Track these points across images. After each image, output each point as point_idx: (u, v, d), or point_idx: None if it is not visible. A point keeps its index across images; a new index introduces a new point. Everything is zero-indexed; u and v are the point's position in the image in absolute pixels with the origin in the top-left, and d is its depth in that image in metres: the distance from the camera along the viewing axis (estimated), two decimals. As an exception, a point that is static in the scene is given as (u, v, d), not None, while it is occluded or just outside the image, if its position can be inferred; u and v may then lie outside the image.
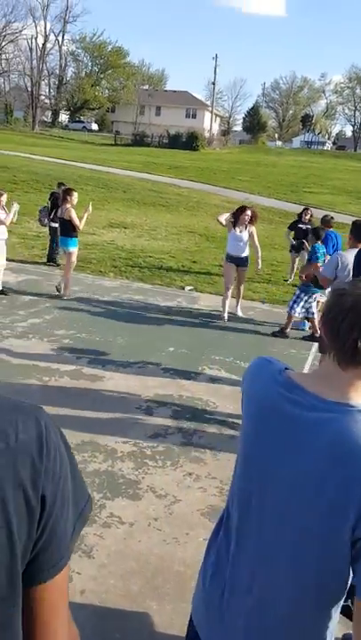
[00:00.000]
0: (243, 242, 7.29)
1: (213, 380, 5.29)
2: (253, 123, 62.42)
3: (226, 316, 7.35)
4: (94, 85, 62.01)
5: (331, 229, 7.73)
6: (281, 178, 28.31)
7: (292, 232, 10.15)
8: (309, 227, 9.61)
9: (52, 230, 9.66)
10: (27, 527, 0.67)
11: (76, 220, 7.49)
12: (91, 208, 7.83)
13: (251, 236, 7.39)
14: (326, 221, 8.16)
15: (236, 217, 7.29)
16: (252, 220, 7.40)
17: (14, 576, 0.67)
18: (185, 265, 10.86)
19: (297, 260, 9.98)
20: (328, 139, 74.52)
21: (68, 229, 7.59)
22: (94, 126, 61.31)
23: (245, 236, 7.35)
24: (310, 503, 1.07)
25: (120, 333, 6.34)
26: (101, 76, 64.15)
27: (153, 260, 10.93)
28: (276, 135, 76.26)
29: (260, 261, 7.63)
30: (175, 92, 63.52)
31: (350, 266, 4.20)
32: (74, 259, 7.74)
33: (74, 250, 7.69)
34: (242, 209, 7.39)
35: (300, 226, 10.00)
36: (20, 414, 0.70)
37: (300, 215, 10.31)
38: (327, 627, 1.15)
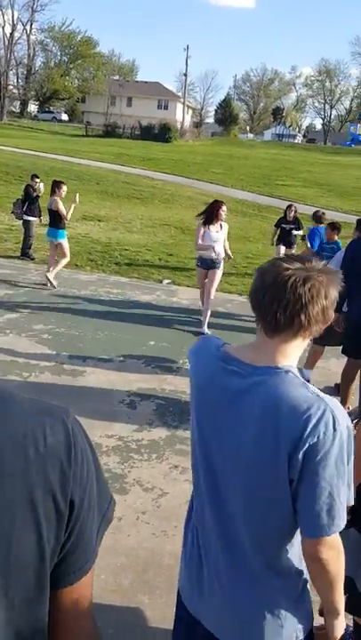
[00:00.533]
0: (219, 242, 6.34)
1: (195, 372, 5.30)
2: (225, 115, 62.44)
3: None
4: (64, 75, 60.98)
5: (321, 225, 7.76)
6: (254, 170, 28.43)
7: (278, 230, 9.99)
8: (293, 227, 9.70)
9: (26, 224, 9.52)
10: (55, 531, 0.67)
11: (63, 211, 7.62)
12: (78, 199, 7.99)
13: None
14: (318, 217, 8.19)
15: (211, 213, 6.33)
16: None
17: (43, 578, 0.67)
18: (162, 258, 10.83)
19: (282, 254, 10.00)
20: (299, 132, 75.16)
21: (56, 220, 7.75)
22: (64, 117, 60.38)
23: (222, 235, 6.43)
24: (256, 462, 1.22)
25: (100, 328, 6.29)
26: (71, 65, 63.13)
27: (129, 253, 10.86)
28: (248, 127, 76.51)
29: (229, 252, 7.10)
30: (146, 82, 63.03)
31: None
32: (66, 251, 7.88)
33: (62, 241, 7.81)
34: (217, 204, 6.43)
35: (283, 226, 9.85)
36: (47, 417, 0.70)
37: (285, 212, 10.12)
38: (289, 554, 1.31)
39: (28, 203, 9.53)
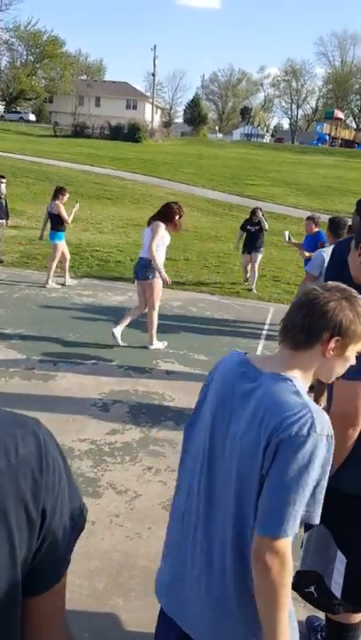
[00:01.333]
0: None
1: (168, 373, 5.31)
2: (194, 115, 62.56)
3: None
4: (30, 75, 60.13)
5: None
6: (223, 170, 28.59)
7: (244, 233, 9.63)
8: (258, 228, 9.38)
9: None
10: (27, 539, 0.68)
11: (65, 215, 8.07)
12: (78, 205, 8.69)
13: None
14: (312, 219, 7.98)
15: (172, 218, 5.62)
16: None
17: (15, 587, 0.68)
18: (134, 259, 10.74)
19: (250, 260, 9.44)
20: (267, 131, 75.81)
21: (57, 224, 8.14)
22: (32, 117, 59.58)
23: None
24: (243, 458, 1.28)
25: (71, 330, 6.24)
26: (37, 65, 62.27)
27: (100, 254, 10.81)
28: (217, 127, 76.86)
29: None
30: (115, 82, 62.73)
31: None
32: (59, 251, 8.20)
33: (58, 242, 8.17)
34: (177, 208, 5.71)
35: (248, 227, 9.56)
36: (19, 428, 0.71)
37: (250, 215, 9.75)
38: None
39: None
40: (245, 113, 74.59)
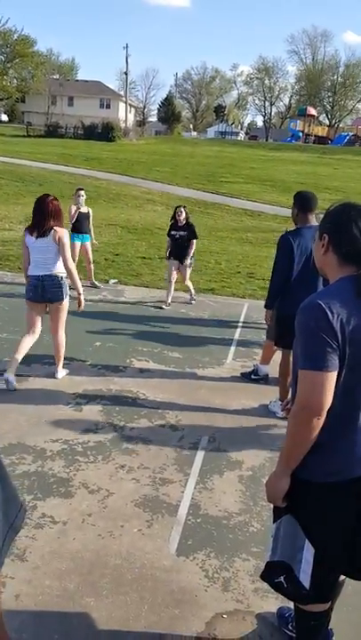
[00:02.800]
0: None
1: (142, 371, 5.30)
2: (168, 113, 62.53)
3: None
4: (1, 75, 59.30)
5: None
6: (198, 168, 28.63)
7: (169, 240, 7.91)
8: (184, 234, 7.68)
9: None
10: None
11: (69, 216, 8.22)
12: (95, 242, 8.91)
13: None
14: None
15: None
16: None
17: None
18: (108, 258, 10.75)
19: (175, 272, 7.85)
20: (241, 129, 76.22)
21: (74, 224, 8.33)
22: (4, 117, 58.86)
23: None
24: None
25: (44, 331, 6.14)
26: (8, 65, 61.41)
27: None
28: (192, 126, 76.95)
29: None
30: (87, 81, 62.34)
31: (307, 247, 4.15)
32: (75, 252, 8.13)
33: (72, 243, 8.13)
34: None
35: (172, 233, 7.79)
36: None
37: (173, 216, 7.85)
38: None
39: None
40: (219, 111, 74.78)
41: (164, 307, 7.68)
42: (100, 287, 8.55)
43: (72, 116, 49.69)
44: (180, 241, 7.73)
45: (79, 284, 4.91)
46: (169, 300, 7.79)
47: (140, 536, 2.94)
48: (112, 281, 9.10)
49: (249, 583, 2.67)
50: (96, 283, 8.62)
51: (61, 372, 5.02)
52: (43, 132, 44.81)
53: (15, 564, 2.64)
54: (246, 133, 74.04)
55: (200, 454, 3.84)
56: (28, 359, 5.28)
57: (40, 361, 5.28)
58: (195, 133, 68.58)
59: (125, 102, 59.10)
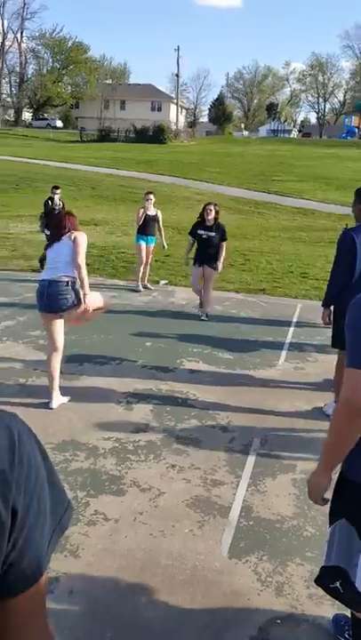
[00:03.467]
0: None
1: (192, 371, 5.29)
2: (219, 113, 62.40)
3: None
4: (56, 82, 61.13)
5: None
6: (249, 167, 28.41)
7: (194, 241, 7.16)
8: (214, 235, 6.92)
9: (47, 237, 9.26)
10: None
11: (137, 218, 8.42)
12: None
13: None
14: None
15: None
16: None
17: None
18: (158, 259, 10.80)
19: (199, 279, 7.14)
20: (294, 126, 74.96)
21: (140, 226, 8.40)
22: (59, 123, 60.53)
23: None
24: None
25: (96, 331, 6.28)
26: (63, 72, 63.26)
27: (126, 255, 10.86)
28: (243, 125, 76.48)
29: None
30: (139, 85, 63.11)
31: None
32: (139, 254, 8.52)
33: (135, 244, 8.58)
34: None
35: (200, 232, 6.99)
36: None
37: (202, 213, 7.11)
38: None
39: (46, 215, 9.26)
40: (271, 109, 73.87)
41: (204, 318, 7.05)
42: (151, 288, 8.61)
43: (124, 120, 50.47)
44: (207, 242, 6.92)
45: (87, 283, 4.33)
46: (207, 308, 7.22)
47: (191, 536, 2.93)
48: (162, 282, 9.15)
49: (303, 588, 2.60)
50: (148, 285, 8.68)
51: (57, 400, 4.34)
52: (96, 137, 45.74)
53: (69, 561, 2.69)
54: (299, 131, 72.87)
55: (252, 456, 3.78)
56: (78, 360, 5.38)
57: (91, 360, 5.37)
58: (246, 132, 68.14)
59: (176, 104, 59.45)
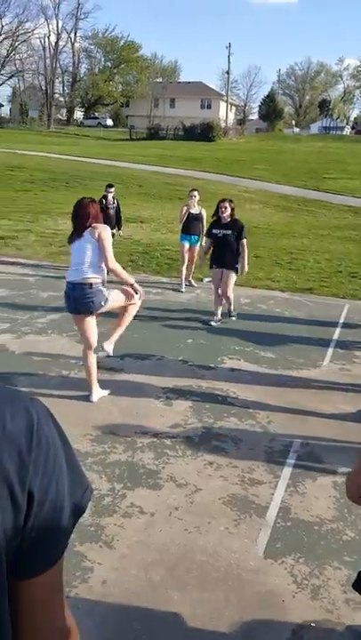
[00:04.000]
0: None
1: (233, 369, 5.25)
2: (270, 110, 61.62)
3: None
4: (108, 81, 62.02)
5: None
6: (300, 165, 27.94)
7: (210, 243, 6.73)
8: (230, 233, 6.47)
9: None
10: (12, 522, 0.64)
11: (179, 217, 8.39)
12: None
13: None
14: None
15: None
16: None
17: None
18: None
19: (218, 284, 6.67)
20: (347, 123, 73.15)
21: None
22: (109, 122, 61.40)
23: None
24: None
25: (138, 327, 6.32)
26: (114, 71, 64.09)
27: (170, 252, 10.88)
28: (294, 122, 75.24)
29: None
30: (189, 83, 63.14)
31: None
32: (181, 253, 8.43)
33: (180, 244, 8.50)
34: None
35: (214, 232, 6.55)
36: (9, 405, 0.67)
37: (216, 211, 6.68)
38: None
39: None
40: (324, 106, 72.30)
41: (213, 323, 6.53)
42: (194, 286, 8.60)
43: (173, 118, 50.67)
44: (223, 241, 6.47)
45: (128, 276, 4.36)
46: (219, 315, 6.62)
47: (226, 534, 2.90)
48: (206, 279, 9.11)
49: (340, 593, 2.53)
50: (192, 282, 8.68)
51: (97, 393, 4.34)
52: (145, 135, 46.12)
53: (103, 551, 2.71)
54: (352, 128, 70.97)
55: (292, 457, 3.71)
56: (121, 354, 5.43)
57: (132, 355, 5.41)
58: (297, 129, 67.02)
59: (226, 101, 59.17)
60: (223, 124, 49.30)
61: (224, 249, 6.50)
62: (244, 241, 6.55)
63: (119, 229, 9.35)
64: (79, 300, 4.14)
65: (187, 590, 2.51)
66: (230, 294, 6.63)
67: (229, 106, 60.47)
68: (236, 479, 3.41)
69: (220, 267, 6.53)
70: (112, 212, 9.12)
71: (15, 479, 0.64)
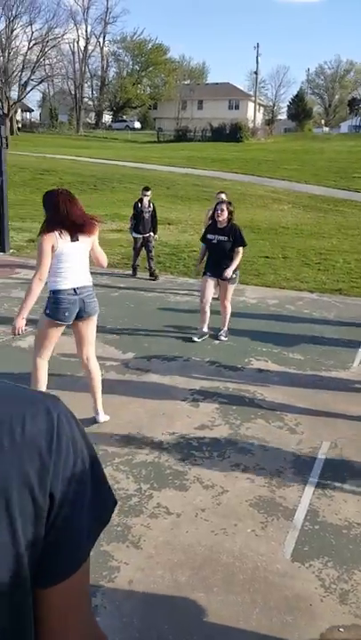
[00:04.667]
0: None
1: (261, 371, 5.21)
2: (298, 110, 61.05)
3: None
4: (136, 84, 62.43)
5: None
6: (328, 164, 27.58)
7: (205, 249, 6.22)
8: (226, 239, 5.83)
9: (135, 240, 8.92)
10: (33, 526, 0.62)
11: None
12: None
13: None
14: None
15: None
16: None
17: (19, 577, 0.63)
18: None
19: (210, 292, 5.99)
20: (377, 121, 71.90)
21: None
22: (137, 124, 61.78)
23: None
24: None
25: (165, 328, 6.35)
26: (143, 74, 64.48)
27: (197, 254, 10.83)
28: (323, 121, 74.32)
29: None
30: (217, 84, 63.02)
31: None
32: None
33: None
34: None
35: (209, 237, 5.94)
36: (29, 406, 0.65)
37: (213, 214, 6.11)
38: None
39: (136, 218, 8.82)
40: (354, 104, 71.25)
41: (196, 339, 5.88)
42: None
43: (201, 120, 50.67)
44: (218, 248, 5.86)
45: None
46: (205, 329, 5.94)
47: (253, 537, 2.88)
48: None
49: (369, 600, 2.48)
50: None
51: (103, 416, 4.00)
52: (172, 137, 46.23)
53: (130, 551, 2.73)
54: (383, 126, 69.74)
55: (320, 460, 3.67)
56: (148, 355, 5.46)
57: (159, 357, 5.42)
58: (326, 129, 66.15)
59: (254, 102, 58.85)
60: (251, 125, 49.05)
61: (219, 257, 5.86)
62: (240, 249, 5.88)
63: (155, 234, 9.01)
64: (89, 302, 3.84)
65: (213, 592, 2.50)
66: (228, 305, 6.03)
67: (258, 106, 60.13)
68: (263, 481, 3.39)
69: (216, 276, 5.90)
70: (147, 216, 8.76)
71: (36, 482, 0.62)
